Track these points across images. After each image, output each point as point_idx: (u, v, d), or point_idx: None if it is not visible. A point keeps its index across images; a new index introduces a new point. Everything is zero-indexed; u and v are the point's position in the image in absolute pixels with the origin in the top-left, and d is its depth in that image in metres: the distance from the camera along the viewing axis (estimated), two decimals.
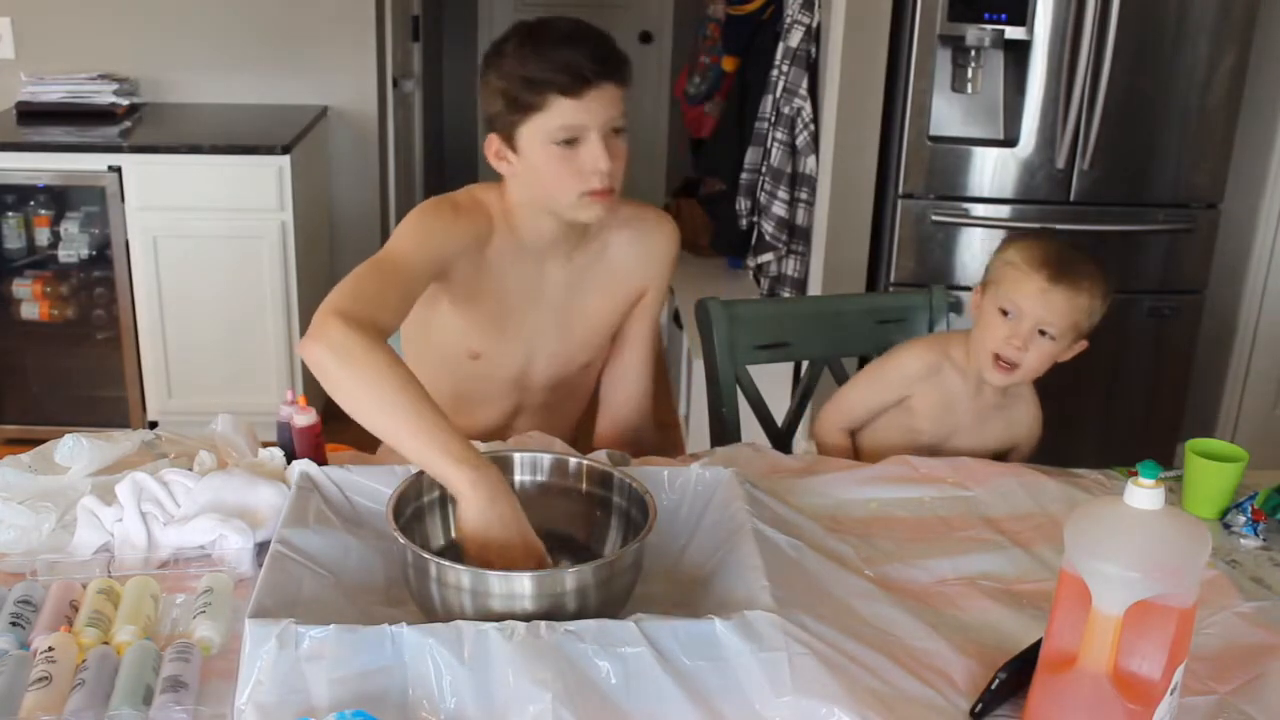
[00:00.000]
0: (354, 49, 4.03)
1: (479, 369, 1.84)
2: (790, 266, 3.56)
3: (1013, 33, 3.01)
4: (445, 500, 1.42)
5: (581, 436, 1.99)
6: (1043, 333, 1.76)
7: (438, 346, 1.84)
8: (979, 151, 3.12)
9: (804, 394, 2.22)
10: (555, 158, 1.62)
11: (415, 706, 1.15)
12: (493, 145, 1.69)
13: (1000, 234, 3.13)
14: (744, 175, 3.70)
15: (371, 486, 1.48)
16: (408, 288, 1.60)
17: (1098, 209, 3.16)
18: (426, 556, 1.24)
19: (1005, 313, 1.77)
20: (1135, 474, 1.12)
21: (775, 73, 3.48)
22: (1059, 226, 3.13)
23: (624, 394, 1.94)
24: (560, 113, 1.59)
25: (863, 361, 3.28)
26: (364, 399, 1.40)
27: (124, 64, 3.92)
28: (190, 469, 1.56)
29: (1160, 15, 3.02)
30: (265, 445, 1.64)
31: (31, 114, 3.75)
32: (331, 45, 4.00)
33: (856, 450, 1.99)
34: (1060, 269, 1.75)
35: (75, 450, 1.63)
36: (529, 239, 1.76)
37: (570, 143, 1.61)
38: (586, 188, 1.63)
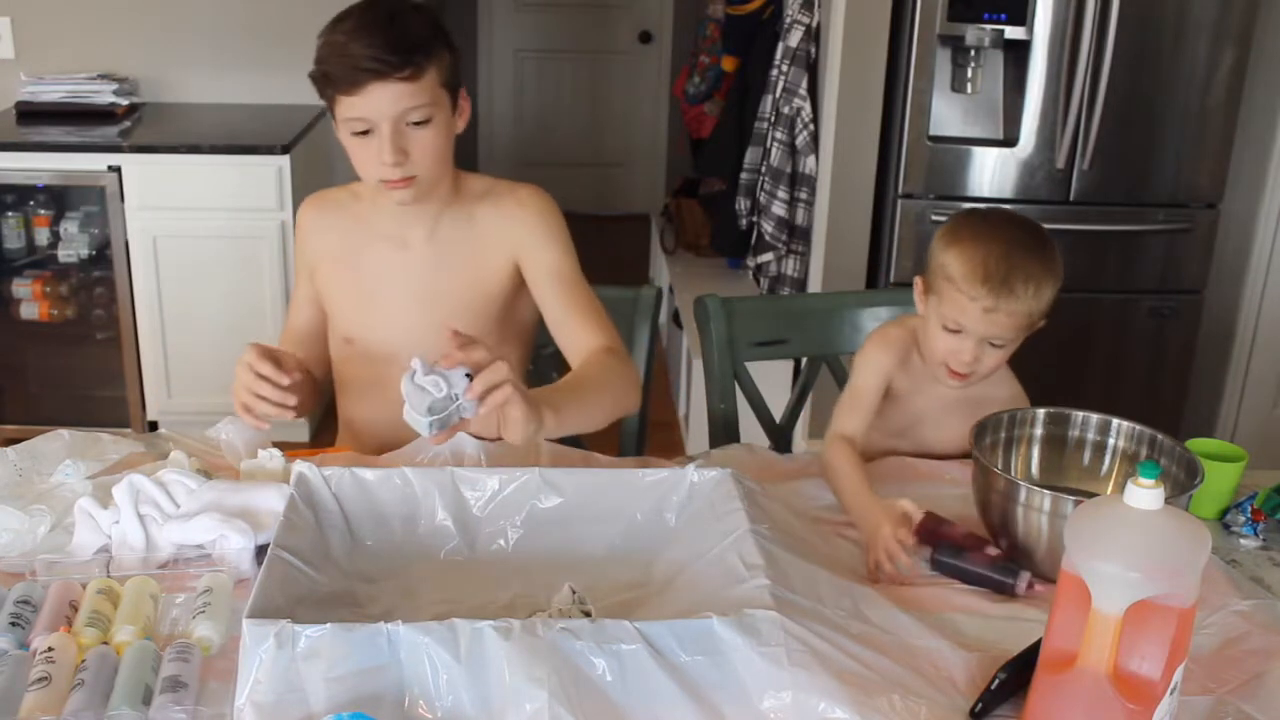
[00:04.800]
0: None
1: (354, 353, 1.86)
2: (790, 266, 3.56)
3: (1012, 32, 3.01)
4: None
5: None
6: (992, 344, 1.69)
7: (332, 336, 1.92)
8: (979, 151, 3.12)
9: (802, 391, 2.22)
10: (355, 145, 1.67)
11: (412, 705, 1.16)
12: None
13: None
14: (744, 175, 3.70)
15: (369, 488, 1.48)
16: (303, 300, 1.91)
17: (1097, 209, 3.16)
18: None
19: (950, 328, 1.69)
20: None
21: (775, 72, 3.48)
22: (1059, 227, 3.13)
23: (573, 350, 1.79)
24: (347, 107, 1.62)
25: None
26: None
27: (124, 64, 3.92)
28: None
29: (1160, 15, 3.02)
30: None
31: (31, 114, 3.75)
32: None
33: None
34: (1001, 286, 1.62)
35: (74, 471, 1.63)
36: (386, 212, 1.78)
37: (365, 133, 1.64)
38: (381, 176, 1.67)
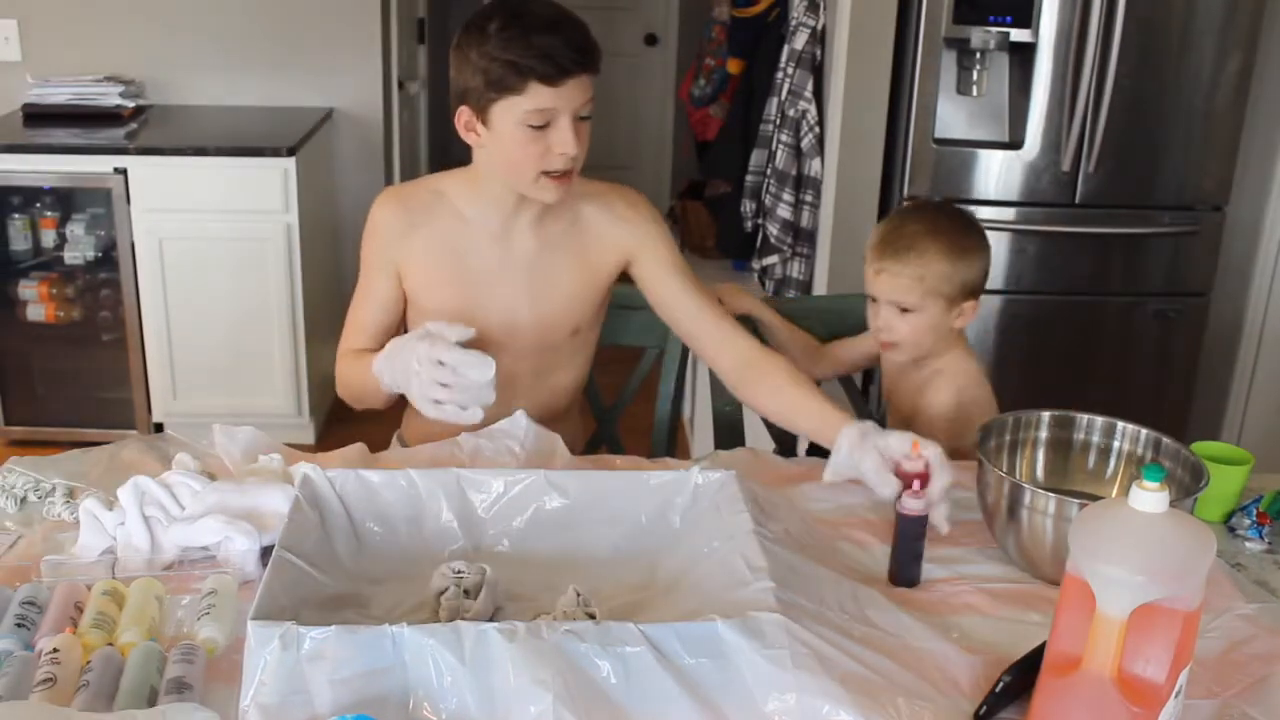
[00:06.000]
0: (359, 51, 4.04)
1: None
2: (795, 269, 3.56)
3: (1018, 35, 3.01)
4: None
5: (578, 414, 2.07)
6: (903, 309, 1.88)
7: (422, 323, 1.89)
8: (984, 154, 3.12)
9: None
10: (524, 138, 1.70)
11: (417, 707, 1.16)
12: (463, 118, 1.76)
13: (1005, 237, 3.12)
14: (749, 178, 3.70)
15: (374, 489, 1.48)
16: (377, 302, 1.88)
17: (1103, 211, 3.15)
18: None
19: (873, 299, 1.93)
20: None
21: (780, 75, 3.48)
22: (1064, 229, 3.13)
23: (725, 344, 1.89)
24: (537, 98, 1.67)
25: None
26: (363, 396, 1.84)
27: (130, 66, 3.93)
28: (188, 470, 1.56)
29: (1166, 17, 3.01)
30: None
31: (38, 116, 3.77)
32: (337, 47, 4.01)
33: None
34: (883, 249, 1.89)
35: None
36: (492, 209, 1.83)
37: (540, 126, 1.69)
38: (547, 169, 1.72)
